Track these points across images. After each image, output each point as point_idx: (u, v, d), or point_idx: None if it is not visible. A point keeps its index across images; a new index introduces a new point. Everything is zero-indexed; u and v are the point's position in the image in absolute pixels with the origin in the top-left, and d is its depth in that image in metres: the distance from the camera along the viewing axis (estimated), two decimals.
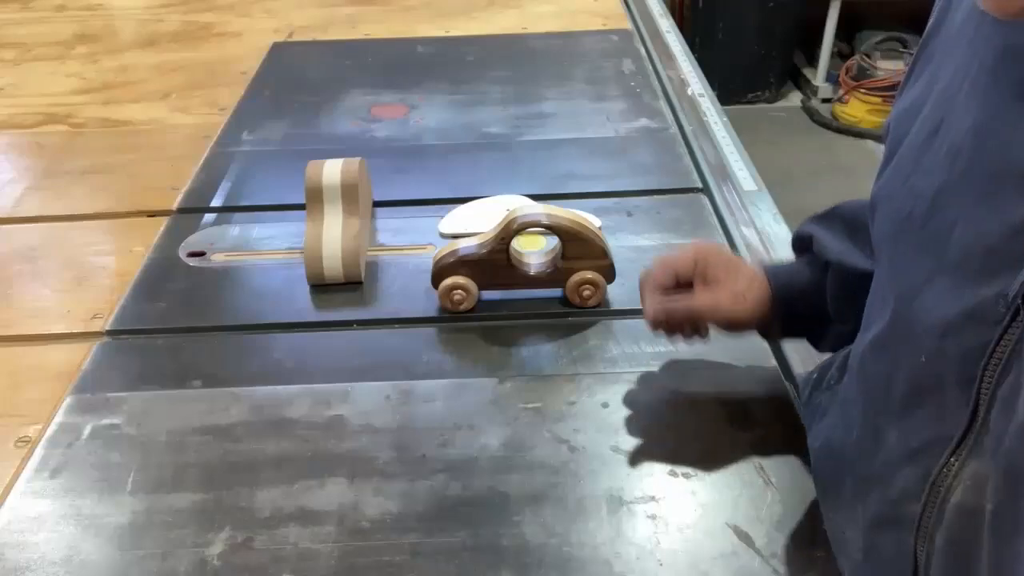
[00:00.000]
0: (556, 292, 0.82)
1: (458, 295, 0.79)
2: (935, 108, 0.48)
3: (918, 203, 0.46)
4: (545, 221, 0.77)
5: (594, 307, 0.81)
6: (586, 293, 0.80)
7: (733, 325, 0.67)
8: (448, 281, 0.79)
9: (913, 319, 0.45)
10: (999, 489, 0.39)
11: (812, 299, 0.65)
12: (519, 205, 0.79)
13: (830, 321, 0.64)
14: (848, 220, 0.65)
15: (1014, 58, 0.41)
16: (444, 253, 0.80)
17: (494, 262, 0.79)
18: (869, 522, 0.49)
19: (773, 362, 0.76)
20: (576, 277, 0.79)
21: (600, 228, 0.82)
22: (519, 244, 0.81)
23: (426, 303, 0.83)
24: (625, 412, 0.71)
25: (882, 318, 0.49)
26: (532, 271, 0.80)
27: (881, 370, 0.49)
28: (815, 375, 0.60)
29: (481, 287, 0.80)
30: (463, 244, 0.79)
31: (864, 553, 0.49)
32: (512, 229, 0.77)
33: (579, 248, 0.78)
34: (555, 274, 0.80)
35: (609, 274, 0.80)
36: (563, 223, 0.77)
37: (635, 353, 0.77)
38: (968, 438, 0.41)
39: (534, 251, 0.82)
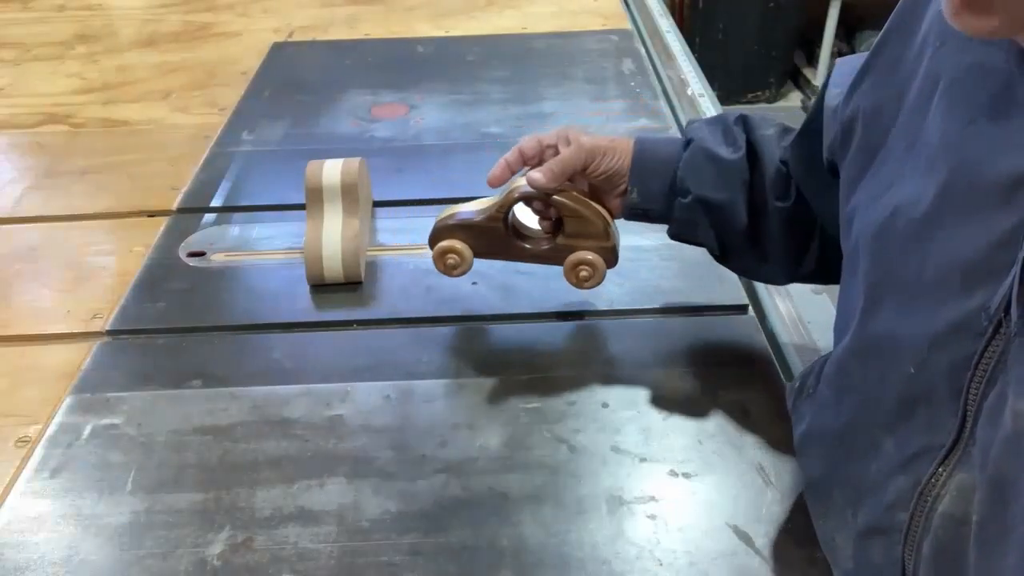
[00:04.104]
0: (548, 282, 0.81)
1: (452, 259, 0.77)
2: (909, 121, 0.48)
3: (896, 215, 0.46)
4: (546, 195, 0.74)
5: (590, 288, 0.76)
6: (583, 274, 0.75)
7: (593, 153, 0.71)
8: (444, 244, 0.76)
9: (896, 330, 0.45)
10: (985, 500, 0.40)
11: (668, 162, 0.70)
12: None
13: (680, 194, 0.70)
14: (726, 121, 0.72)
15: (981, 76, 0.42)
16: (444, 215, 0.77)
17: (491, 230, 0.75)
18: (860, 530, 0.48)
19: (773, 362, 0.76)
20: (574, 257, 0.75)
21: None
22: (520, 215, 0.77)
23: (426, 303, 0.83)
24: (625, 412, 0.71)
25: (859, 326, 0.49)
26: (528, 245, 0.77)
27: (867, 378, 0.49)
28: (797, 383, 0.60)
29: (477, 254, 0.77)
30: (463, 208, 0.77)
31: (854, 560, 0.49)
32: (512, 199, 0.74)
33: (580, 226, 0.74)
34: (553, 251, 0.76)
35: (610, 257, 0.75)
36: (564, 199, 0.73)
37: (635, 353, 0.77)
38: (956, 449, 0.41)
39: (533, 224, 0.78)
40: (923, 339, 0.43)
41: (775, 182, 0.68)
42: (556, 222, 0.76)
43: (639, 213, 0.72)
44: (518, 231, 0.77)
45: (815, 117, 0.62)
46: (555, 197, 0.73)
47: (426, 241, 0.83)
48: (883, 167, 0.50)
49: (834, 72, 0.59)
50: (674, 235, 0.73)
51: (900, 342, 0.45)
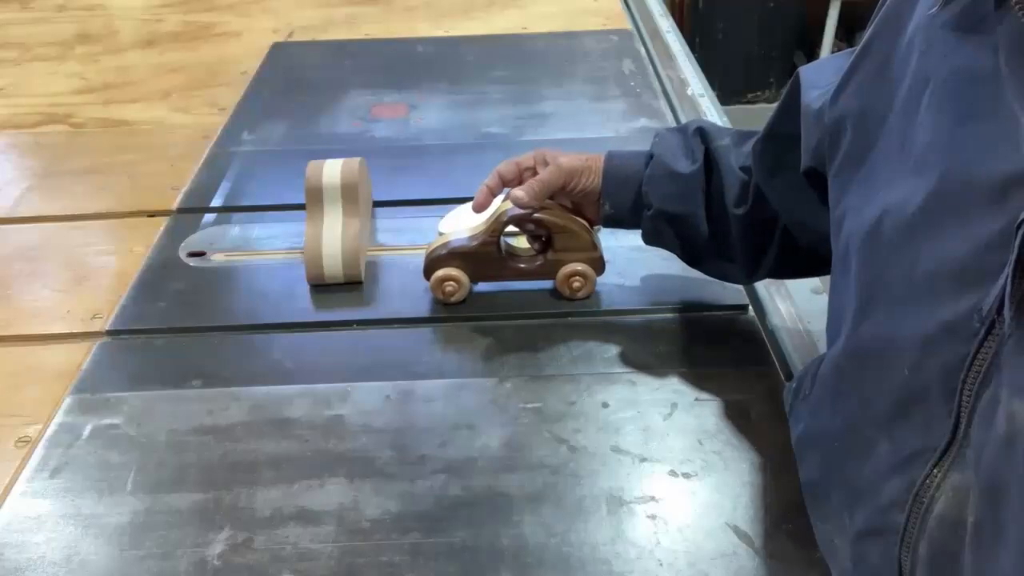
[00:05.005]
0: (547, 285, 0.83)
1: (450, 286, 0.81)
2: (899, 123, 0.48)
3: (886, 216, 0.46)
4: (533, 215, 0.78)
5: (584, 298, 0.82)
6: (576, 285, 0.81)
7: (572, 174, 0.76)
8: (440, 273, 0.80)
9: (890, 332, 0.45)
10: (980, 502, 0.39)
11: (634, 176, 0.75)
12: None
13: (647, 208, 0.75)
14: (686, 133, 0.76)
15: (969, 78, 0.42)
16: (436, 245, 0.81)
17: (485, 255, 0.80)
18: (857, 532, 0.48)
19: (773, 362, 0.76)
20: (566, 269, 0.80)
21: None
22: (509, 237, 0.82)
23: (426, 303, 0.83)
24: (625, 412, 0.71)
25: (852, 328, 0.49)
26: (522, 264, 0.82)
27: (861, 380, 0.49)
28: (794, 385, 0.60)
29: (472, 279, 0.82)
30: (454, 237, 0.81)
31: (852, 562, 0.49)
32: (502, 223, 0.78)
33: (568, 241, 0.79)
34: (545, 266, 0.81)
35: (599, 266, 0.81)
36: (551, 217, 0.78)
37: (635, 353, 0.77)
38: (951, 450, 0.41)
39: (524, 244, 0.83)
40: (916, 341, 0.43)
41: (732, 190, 0.71)
42: (545, 239, 0.81)
43: (614, 223, 0.78)
44: (510, 252, 0.83)
45: (781, 121, 0.64)
46: (542, 216, 0.78)
47: (427, 242, 0.84)
48: (874, 169, 0.50)
49: (804, 76, 0.61)
50: (646, 242, 0.78)
51: (893, 344, 0.45)
